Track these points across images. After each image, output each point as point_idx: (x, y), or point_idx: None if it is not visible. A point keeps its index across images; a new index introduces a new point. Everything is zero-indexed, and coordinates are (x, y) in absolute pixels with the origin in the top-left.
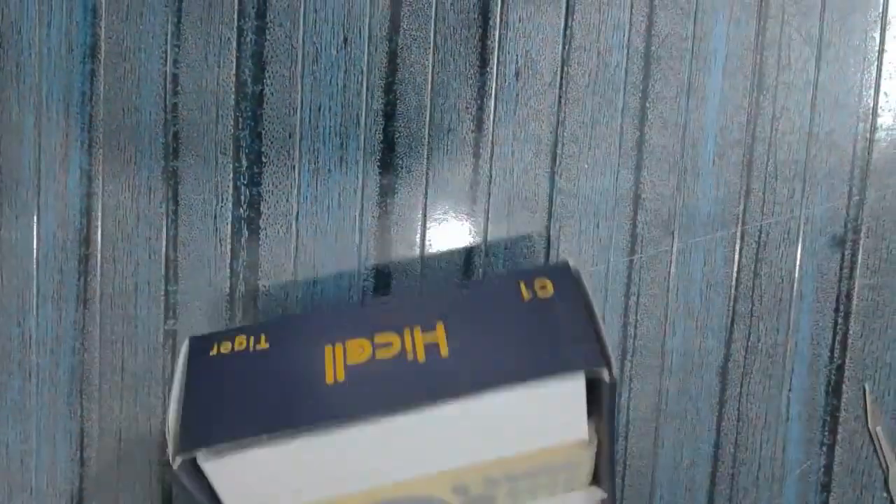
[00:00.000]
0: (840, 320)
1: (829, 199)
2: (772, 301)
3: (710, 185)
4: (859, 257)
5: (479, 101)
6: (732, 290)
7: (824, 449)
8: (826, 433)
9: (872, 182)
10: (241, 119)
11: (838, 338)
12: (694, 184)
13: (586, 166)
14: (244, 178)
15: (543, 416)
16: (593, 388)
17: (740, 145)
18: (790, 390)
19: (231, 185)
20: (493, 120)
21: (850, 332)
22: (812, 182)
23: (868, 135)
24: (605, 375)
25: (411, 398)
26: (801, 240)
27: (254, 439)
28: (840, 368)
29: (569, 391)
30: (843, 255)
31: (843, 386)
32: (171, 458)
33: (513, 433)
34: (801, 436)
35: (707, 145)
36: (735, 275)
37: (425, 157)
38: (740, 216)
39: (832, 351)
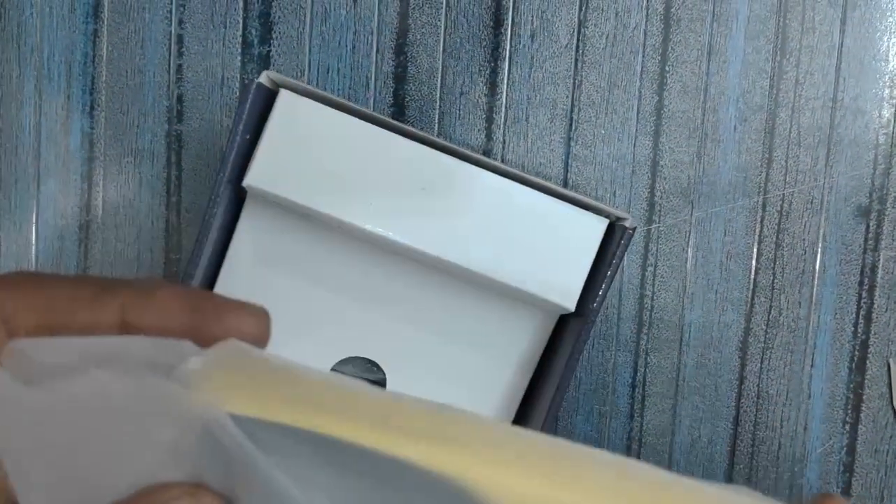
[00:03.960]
0: (864, 294)
1: (853, 167)
2: (794, 273)
3: (731, 152)
4: (885, 228)
5: (492, 64)
6: (753, 262)
7: (847, 428)
8: (849, 411)
9: None
10: (247, 81)
11: (862, 312)
12: (714, 151)
13: (603, 132)
14: None
15: (554, 249)
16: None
17: (762, 111)
18: (812, 366)
19: None
20: (507, 83)
21: (875, 306)
22: (836, 150)
23: (895, 101)
24: (628, 222)
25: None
26: (824, 210)
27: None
28: (864, 344)
29: (589, 224)
30: (867, 225)
31: (867, 362)
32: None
33: (517, 256)
34: (823, 414)
35: (728, 111)
36: (756, 246)
37: (436, 120)
38: (762, 185)
39: (856, 325)
